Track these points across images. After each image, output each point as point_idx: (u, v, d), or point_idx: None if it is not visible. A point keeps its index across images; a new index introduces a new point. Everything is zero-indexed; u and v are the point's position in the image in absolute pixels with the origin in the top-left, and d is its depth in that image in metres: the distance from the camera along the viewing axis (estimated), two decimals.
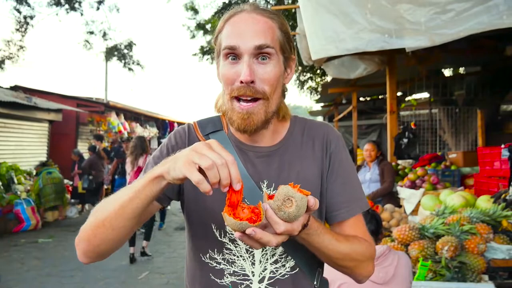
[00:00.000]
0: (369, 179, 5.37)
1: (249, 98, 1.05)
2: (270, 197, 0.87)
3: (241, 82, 1.03)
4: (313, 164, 1.17)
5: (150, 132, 18.44)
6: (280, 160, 1.16)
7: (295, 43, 4.28)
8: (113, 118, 15.14)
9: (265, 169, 1.15)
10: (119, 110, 16.11)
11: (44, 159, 12.07)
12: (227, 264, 1.13)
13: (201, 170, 0.84)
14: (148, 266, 6.16)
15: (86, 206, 11.10)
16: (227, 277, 1.12)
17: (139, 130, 17.26)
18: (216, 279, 1.13)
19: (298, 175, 1.15)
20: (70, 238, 7.76)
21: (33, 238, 7.98)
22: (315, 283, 1.16)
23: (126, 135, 15.53)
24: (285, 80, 1.14)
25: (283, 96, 1.17)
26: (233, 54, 1.04)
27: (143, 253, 6.62)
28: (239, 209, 0.86)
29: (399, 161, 6.22)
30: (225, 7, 11.74)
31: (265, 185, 1.14)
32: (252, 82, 1.03)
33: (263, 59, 1.04)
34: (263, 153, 1.17)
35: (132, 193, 0.94)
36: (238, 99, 1.06)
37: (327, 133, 1.22)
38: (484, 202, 3.35)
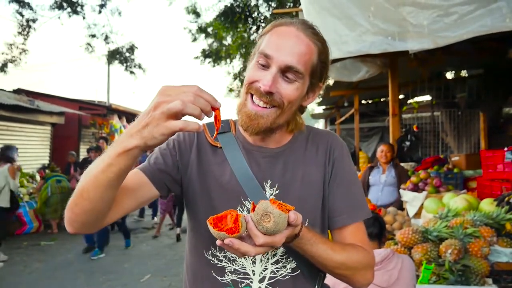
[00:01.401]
0: (384, 181, 5.13)
1: (261, 105, 1.08)
2: (255, 207, 0.89)
3: (260, 87, 1.06)
4: (316, 168, 1.19)
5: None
6: (285, 161, 1.18)
7: None
8: (115, 121, 15.17)
9: (269, 169, 1.17)
10: (121, 113, 16.15)
11: (46, 162, 12.09)
12: (228, 262, 1.14)
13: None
14: (150, 268, 6.16)
15: None
16: (228, 275, 1.13)
17: None
18: (217, 277, 1.14)
19: (301, 177, 1.17)
20: (72, 241, 7.76)
21: (35, 241, 7.99)
22: (316, 287, 1.16)
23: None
24: (303, 102, 1.17)
25: (301, 112, 1.20)
26: (265, 61, 1.07)
27: (178, 238, 7.96)
28: (228, 217, 0.89)
29: (402, 164, 6.20)
30: (226, 11, 11.77)
31: (268, 184, 1.15)
32: (271, 93, 1.06)
33: (289, 77, 1.07)
34: (268, 154, 1.19)
35: (105, 166, 0.91)
36: (252, 96, 1.09)
37: (331, 140, 1.24)
38: (488, 205, 3.34)
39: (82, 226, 1.03)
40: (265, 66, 1.07)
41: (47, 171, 10.04)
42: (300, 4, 4.95)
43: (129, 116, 16.98)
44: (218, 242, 0.87)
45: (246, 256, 1.12)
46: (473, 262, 2.58)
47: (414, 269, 2.44)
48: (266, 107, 1.08)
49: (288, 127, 1.19)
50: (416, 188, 4.71)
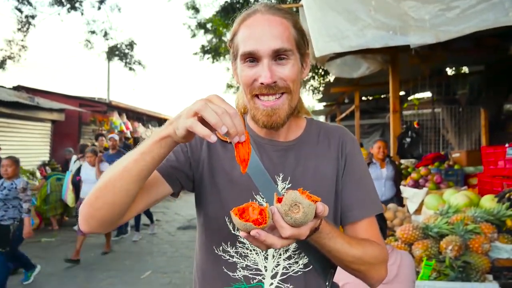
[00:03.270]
0: (385, 176, 5.25)
1: (271, 99, 1.07)
2: (279, 199, 0.87)
3: (262, 83, 1.05)
4: (329, 162, 1.19)
5: (153, 131, 18.45)
6: (297, 155, 1.18)
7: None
8: (115, 117, 15.15)
9: (281, 162, 1.16)
10: (122, 110, 16.13)
11: (46, 158, 12.07)
12: (240, 258, 1.13)
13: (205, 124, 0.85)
14: (151, 265, 6.16)
15: None
16: (240, 271, 1.12)
17: (141, 129, 17.30)
18: (228, 272, 1.13)
19: (313, 170, 1.16)
20: (73, 238, 7.76)
21: (36, 238, 7.98)
22: (327, 283, 1.15)
23: (129, 134, 15.53)
24: (302, 75, 1.17)
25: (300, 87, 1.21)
26: (251, 57, 1.06)
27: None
28: (250, 209, 0.87)
29: (402, 161, 6.19)
30: (226, 7, 11.72)
31: (280, 178, 1.15)
32: (274, 82, 1.05)
33: (281, 59, 1.06)
34: (280, 147, 1.18)
35: (138, 155, 0.93)
36: (258, 97, 1.09)
37: (343, 135, 1.24)
38: (488, 202, 3.33)
39: (99, 223, 1.01)
40: (254, 62, 1.06)
41: (47, 167, 10.01)
42: (300, 0, 4.91)
43: (129, 113, 16.97)
44: (242, 234, 0.85)
45: (258, 252, 1.12)
46: (473, 259, 2.57)
47: (413, 265, 2.43)
48: (277, 98, 1.07)
49: (295, 110, 1.18)
50: (416, 185, 4.71)
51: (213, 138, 0.83)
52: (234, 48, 1.12)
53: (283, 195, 0.87)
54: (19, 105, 10.29)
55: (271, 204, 0.92)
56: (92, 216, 1.00)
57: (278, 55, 1.05)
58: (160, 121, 20.20)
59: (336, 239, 1.00)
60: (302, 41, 1.13)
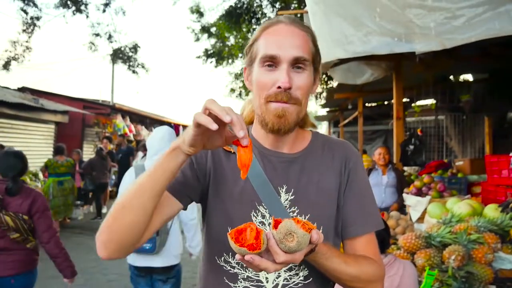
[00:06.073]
0: (386, 182, 5.22)
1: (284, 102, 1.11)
2: (276, 224, 0.89)
3: (279, 87, 1.07)
4: (332, 175, 1.20)
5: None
6: (301, 167, 1.19)
7: None
8: (118, 120, 15.21)
9: (285, 174, 1.17)
10: (125, 113, 16.21)
11: None
12: (241, 269, 1.13)
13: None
14: None
15: (90, 208, 11.09)
16: (241, 282, 1.13)
17: (144, 132, 17.33)
18: (230, 283, 1.13)
19: (317, 183, 1.17)
20: (74, 240, 7.75)
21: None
22: None
23: (132, 137, 15.55)
24: (312, 90, 1.19)
25: None
26: (271, 62, 1.09)
27: None
28: (248, 230, 0.88)
29: (405, 168, 6.16)
30: (230, 11, 11.77)
31: (284, 189, 1.15)
32: (289, 88, 1.08)
33: (299, 68, 1.10)
34: (285, 159, 1.19)
35: (151, 170, 0.97)
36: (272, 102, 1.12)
37: (347, 150, 1.26)
38: (492, 211, 3.30)
39: (118, 247, 1.01)
40: (273, 66, 1.09)
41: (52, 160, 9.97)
42: (304, 6, 4.93)
43: (133, 116, 17.04)
44: (237, 257, 0.88)
45: None
46: (477, 269, 2.54)
47: (416, 275, 2.41)
48: (288, 104, 1.10)
49: (301, 122, 1.20)
50: (419, 193, 4.67)
51: (214, 126, 0.85)
52: (253, 53, 1.15)
53: (286, 209, 0.87)
54: (23, 106, 10.35)
55: (274, 214, 0.92)
56: (110, 240, 1.00)
57: (296, 63, 1.09)
58: (163, 124, 20.25)
59: (333, 258, 1.02)
60: (317, 57, 1.17)
